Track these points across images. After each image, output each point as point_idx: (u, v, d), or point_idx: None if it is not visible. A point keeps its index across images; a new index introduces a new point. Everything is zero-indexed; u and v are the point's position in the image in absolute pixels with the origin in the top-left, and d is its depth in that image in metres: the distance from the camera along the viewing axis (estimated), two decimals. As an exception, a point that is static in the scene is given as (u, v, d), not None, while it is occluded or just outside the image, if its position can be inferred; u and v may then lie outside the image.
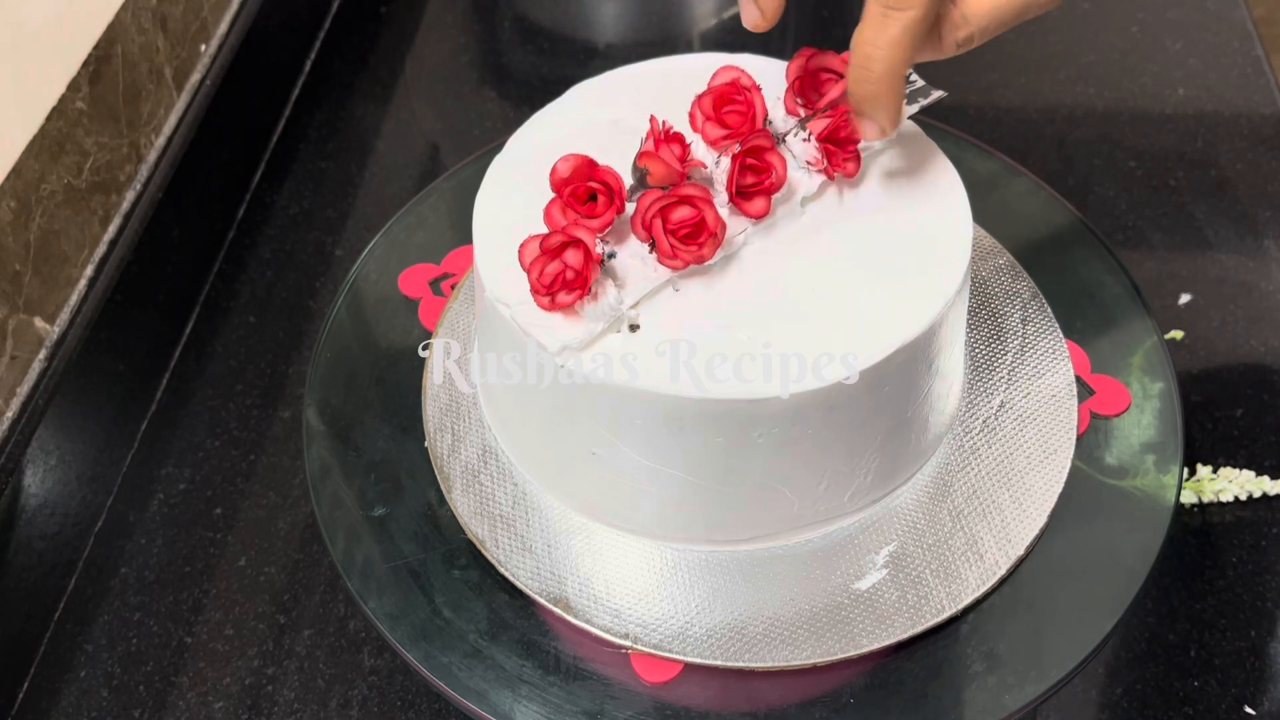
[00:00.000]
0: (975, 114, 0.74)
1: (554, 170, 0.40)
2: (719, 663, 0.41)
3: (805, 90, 0.42)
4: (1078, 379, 0.48)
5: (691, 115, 0.42)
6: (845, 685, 0.42)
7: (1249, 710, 0.48)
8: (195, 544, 0.56)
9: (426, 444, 0.48)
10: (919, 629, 0.42)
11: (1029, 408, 0.47)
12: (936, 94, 0.45)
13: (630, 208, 0.40)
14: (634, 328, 0.39)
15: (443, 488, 0.46)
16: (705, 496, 0.42)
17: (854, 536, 0.44)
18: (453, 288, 0.53)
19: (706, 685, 0.42)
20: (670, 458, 0.40)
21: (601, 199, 0.40)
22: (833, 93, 0.41)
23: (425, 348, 0.51)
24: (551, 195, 0.40)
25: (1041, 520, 0.44)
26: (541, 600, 0.43)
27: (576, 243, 0.38)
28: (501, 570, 0.44)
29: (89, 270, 0.59)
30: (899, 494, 0.45)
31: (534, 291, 0.39)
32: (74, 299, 0.57)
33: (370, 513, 0.47)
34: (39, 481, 0.53)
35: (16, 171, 0.53)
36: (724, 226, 0.40)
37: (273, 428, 0.60)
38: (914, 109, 0.44)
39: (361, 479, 0.48)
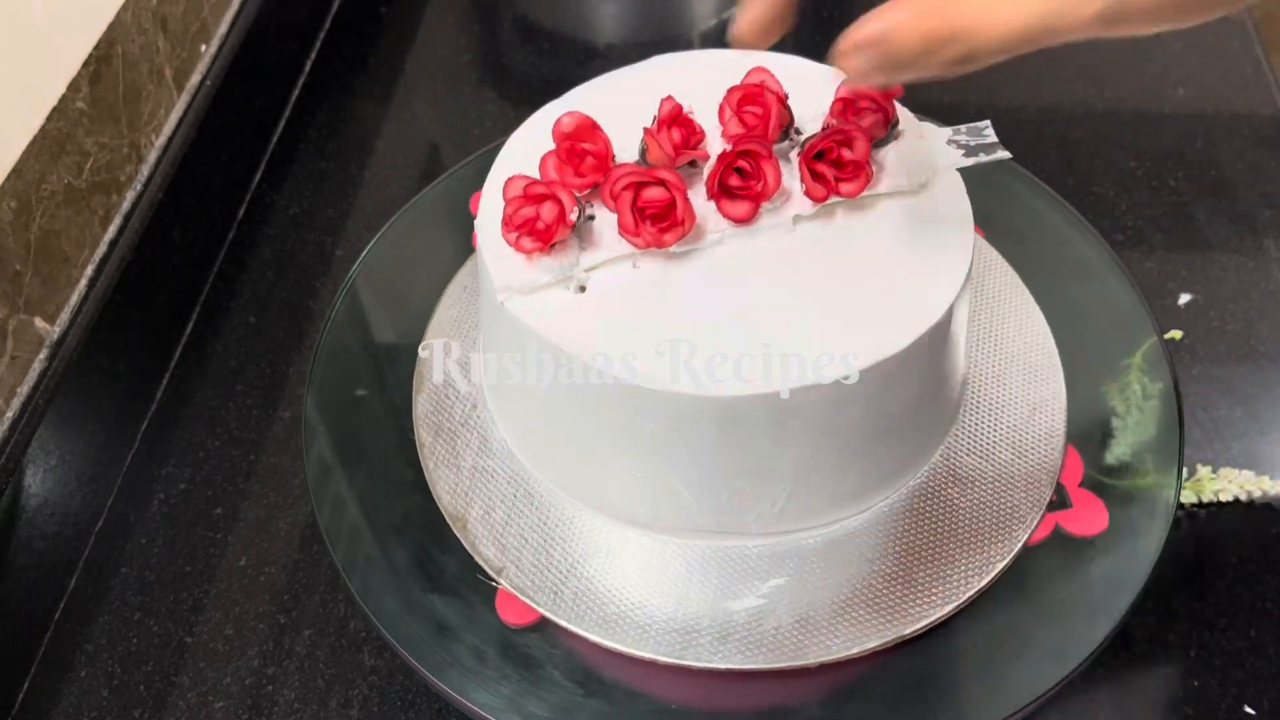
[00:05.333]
0: (975, 114, 0.73)
1: (557, 124, 0.40)
2: (579, 630, 0.42)
3: (844, 113, 0.42)
4: (1060, 487, 0.46)
5: (721, 108, 0.42)
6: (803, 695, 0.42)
7: (1249, 710, 0.48)
8: (195, 544, 0.56)
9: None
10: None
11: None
12: (1001, 154, 0.43)
13: None
14: (582, 289, 0.40)
15: (413, 400, 0.47)
16: (634, 478, 0.42)
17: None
18: None
19: (560, 644, 0.43)
20: (656, 454, 0.40)
21: (590, 161, 0.40)
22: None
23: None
24: None
25: (981, 583, 0.44)
26: (448, 517, 0.44)
27: (556, 200, 0.39)
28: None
29: (89, 270, 0.59)
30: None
31: (503, 223, 0.40)
32: (74, 299, 0.57)
33: (370, 512, 0.47)
34: (39, 481, 0.53)
35: (17, 171, 0.53)
36: (693, 218, 0.40)
37: (273, 428, 0.60)
38: (971, 162, 0.43)
39: (362, 479, 0.48)
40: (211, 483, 0.58)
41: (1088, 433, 0.47)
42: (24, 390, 0.54)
